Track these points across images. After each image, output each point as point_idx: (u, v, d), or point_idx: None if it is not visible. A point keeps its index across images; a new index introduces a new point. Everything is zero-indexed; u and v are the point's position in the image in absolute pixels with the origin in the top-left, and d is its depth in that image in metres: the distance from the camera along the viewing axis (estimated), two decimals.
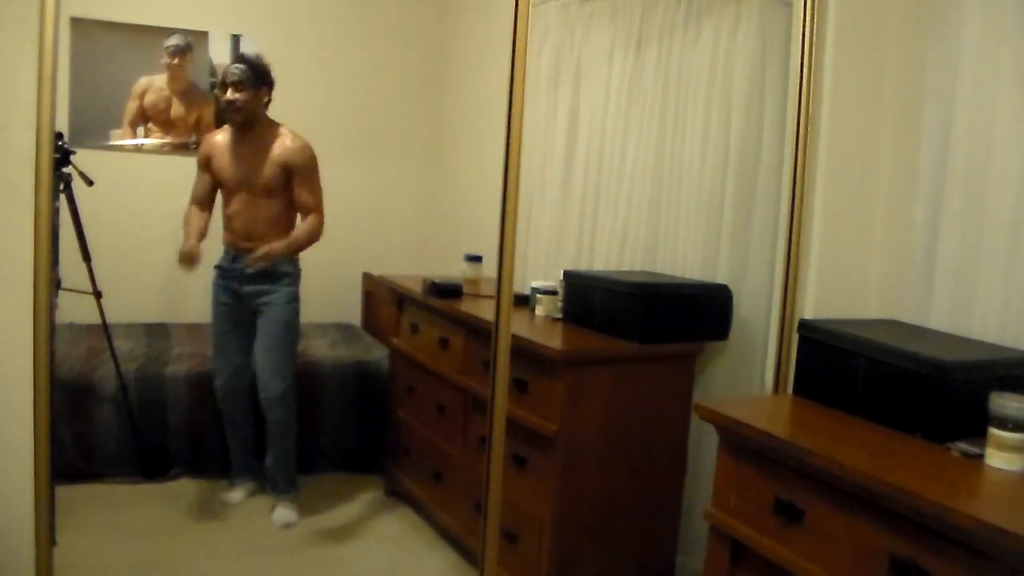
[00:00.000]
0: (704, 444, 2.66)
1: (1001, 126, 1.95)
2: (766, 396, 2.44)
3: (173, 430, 3.60)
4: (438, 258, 4.54)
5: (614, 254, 3.11)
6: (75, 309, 3.50)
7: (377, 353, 4.00)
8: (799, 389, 2.04)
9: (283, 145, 3.19)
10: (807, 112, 2.31)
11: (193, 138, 4.33)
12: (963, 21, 2.04)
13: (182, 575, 2.85)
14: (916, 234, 2.17)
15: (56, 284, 2.85)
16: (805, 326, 2.06)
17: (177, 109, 4.32)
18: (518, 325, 2.49)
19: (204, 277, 3.41)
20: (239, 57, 3.20)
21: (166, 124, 4.32)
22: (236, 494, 3.45)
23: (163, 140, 4.32)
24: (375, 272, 4.43)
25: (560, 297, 2.83)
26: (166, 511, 3.30)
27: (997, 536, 1.27)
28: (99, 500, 3.33)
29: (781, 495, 1.68)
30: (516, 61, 1.99)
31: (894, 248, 2.27)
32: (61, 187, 3.11)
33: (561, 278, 2.84)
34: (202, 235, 3.24)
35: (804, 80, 2.30)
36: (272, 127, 3.23)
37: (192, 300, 4.29)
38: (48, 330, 1.84)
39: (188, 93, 4.33)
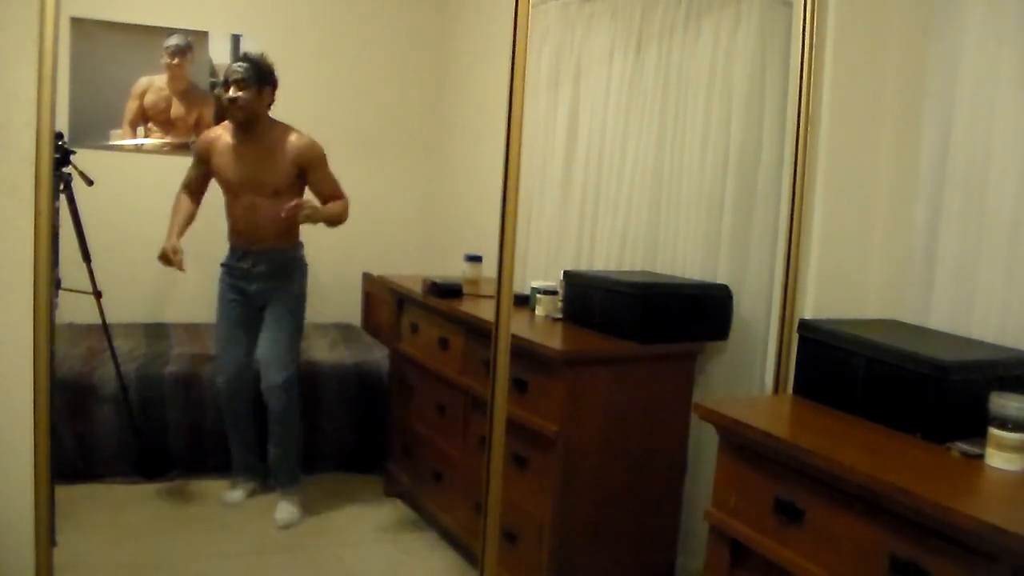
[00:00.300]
0: (704, 444, 2.65)
1: (1001, 126, 1.95)
2: (766, 396, 2.44)
3: (173, 430, 3.60)
4: (438, 258, 4.54)
5: (614, 254, 3.11)
6: (75, 309, 3.50)
7: (377, 353, 4.00)
8: (799, 389, 2.04)
9: (292, 142, 3.19)
10: (807, 112, 2.31)
11: (193, 138, 4.33)
12: (963, 21, 2.04)
13: (182, 575, 2.85)
14: (916, 234, 2.17)
15: (56, 284, 2.85)
16: (805, 326, 2.06)
17: (177, 109, 4.32)
18: (518, 325, 2.49)
19: (205, 277, 3.42)
20: (242, 56, 3.20)
21: (166, 124, 4.32)
22: (236, 494, 3.45)
23: (163, 140, 4.32)
24: (375, 272, 4.43)
25: (560, 297, 2.83)
26: (166, 511, 3.31)
27: (997, 536, 1.27)
28: (99, 500, 3.33)
29: (781, 495, 1.68)
30: (516, 61, 1.99)
31: (894, 248, 2.27)
32: (61, 187, 3.11)
33: (561, 278, 2.84)
34: (187, 224, 3.27)
35: (804, 80, 2.30)
36: (275, 127, 3.23)
37: (192, 300, 4.30)
38: (48, 330, 1.84)
39: (188, 93, 4.33)
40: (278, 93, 3.25)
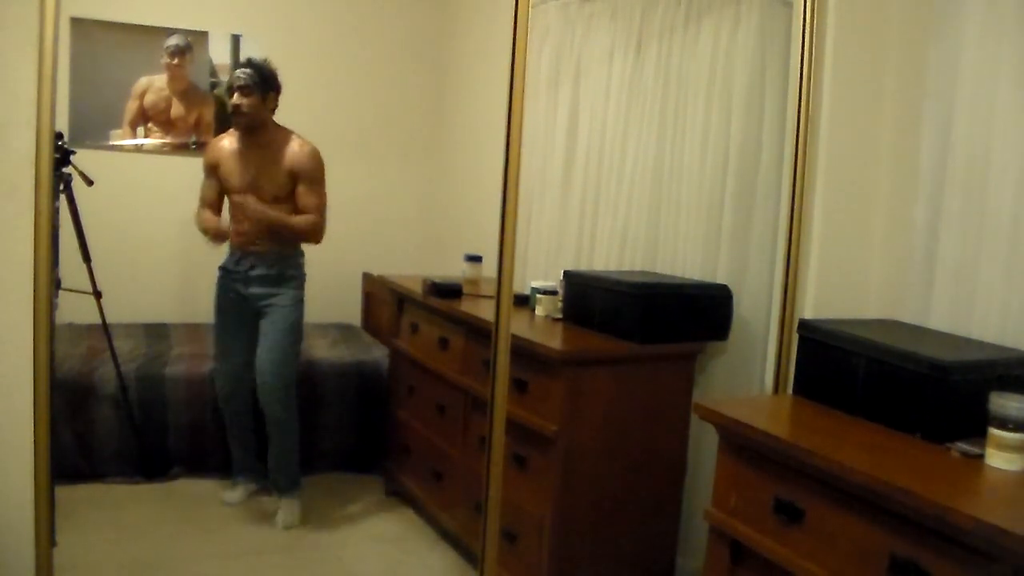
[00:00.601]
0: (704, 444, 2.65)
1: (1001, 126, 1.95)
2: (766, 396, 2.44)
3: (173, 430, 3.60)
4: (438, 258, 4.54)
5: (614, 254, 3.11)
6: (75, 309, 3.50)
7: (377, 353, 4.00)
8: (799, 389, 2.04)
9: (291, 150, 3.18)
10: (807, 112, 2.31)
11: (193, 138, 4.34)
12: (963, 21, 2.04)
13: (182, 575, 2.85)
14: (916, 234, 2.17)
15: (56, 284, 2.85)
16: (805, 326, 2.06)
17: (177, 109, 4.32)
18: (518, 325, 2.49)
19: (205, 277, 3.42)
20: (246, 61, 3.19)
21: (166, 124, 4.32)
22: (236, 494, 3.45)
23: (163, 140, 4.32)
24: (375, 272, 4.43)
25: (560, 297, 2.83)
26: (166, 511, 3.30)
27: (997, 536, 1.27)
28: (99, 500, 3.33)
29: (781, 495, 1.68)
30: (516, 61, 1.99)
31: (894, 248, 2.27)
32: (61, 187, 3.11)
33: (561, 278, 2.84)
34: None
35: (804, 80, 2.30)
36: (279, 132, 3.22)
37: (192, 300, 4.30)
38: (48, 330, 1.84)
39: (188, 93, 4.33)
40: (280, 94, 3.25)
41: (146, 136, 4.30)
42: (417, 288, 3.29)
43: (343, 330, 4.48)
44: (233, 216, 3.28)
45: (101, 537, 3.03)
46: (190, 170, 3.41)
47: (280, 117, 3.26)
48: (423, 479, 3.30)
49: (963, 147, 2.04)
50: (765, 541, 1.71)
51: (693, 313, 2.57)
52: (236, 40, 4.37)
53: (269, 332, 3.24)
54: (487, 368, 2.19)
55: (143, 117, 4.28)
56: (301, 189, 3.19)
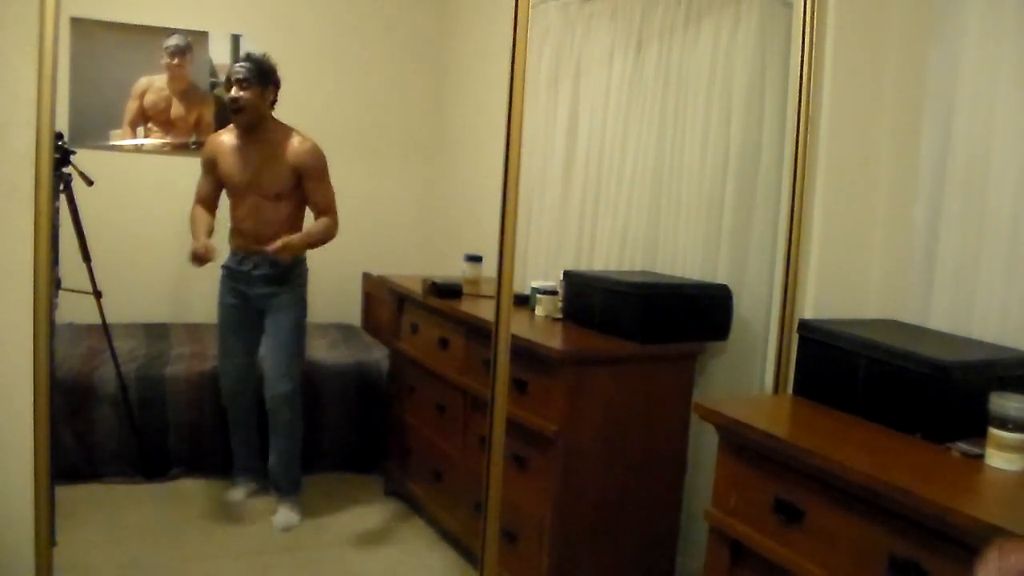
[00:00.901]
0: (704, 444, 2.65)
1: (1001, 126, 1.95)
2: (766, 396, 2.44)
3: (173, 430, 3.60)
4: (438, 258, 4.54)
5: (614, 254, 3.11)
6: (75, 309, 3.50)
7: (377, 353, 4.00)
8: (799, 389, 2.04)
9: (292, 147, 3.17)
10: (807, 112, 2.31)
11: (193, 138, 4.33)
12: (963, 21, 2.04)
13: (182, 575, 2.85)
14: (916, 234, 2.17)
15: (56, 284, 2.84)
16: (805, 326, 2.06)
17: (177, 109, 4.32)
18: (518, 325, 2.49)
19: (206, 277, 3.41)
20: (245, 56, 3.18)
21: (166, 124, 4.32)
22: (237, 493, 3.45)
23: (163, 140, 4.32)
24: (375, 272, 4.43)
25: (560, 297, 2.83)
26: (166, 511, 3.30)
27: (997, 536, 1.27)
28: (99, 500, 3.33)
29: (781, 495, 1.68)
30: (516, 61, 2.00)
31: (894, 248, 2.27)
32: (61, 187, 3.11)
33: (561, 278, 2.84)
34: (209, 234, 3.23)
35: (804, 80, 2.31)
36: (279, 128, 3.22)
37: (192, 300, 4.30)
38: (48, 330, 1.84)
39: (188, 93, 4.33)
40: (280, 93, 3.24)
41: (146, 136, 4.30)
42: (417, 288, 3.29)
43: (343, 330, 4.48)
44: (234, 215, 3.28)
45: (101, 537, 3.03)
46: (190, 170, 3.41)
47: (280, 117, 3.26)
48: (423, 479, 3.30)
49: (963, 147, 2.04)
50: (765, 541, 1.71)
51: (693, 313, 2.57)
52: (236, 40, 4.37)
53: (274, 332, 3.23)
54: (487, 368, 2.19)
55: (143, 117, 4.28)
56: (310, 187, 3.19)
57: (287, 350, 3.22)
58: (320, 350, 3.98)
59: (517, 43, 2.00)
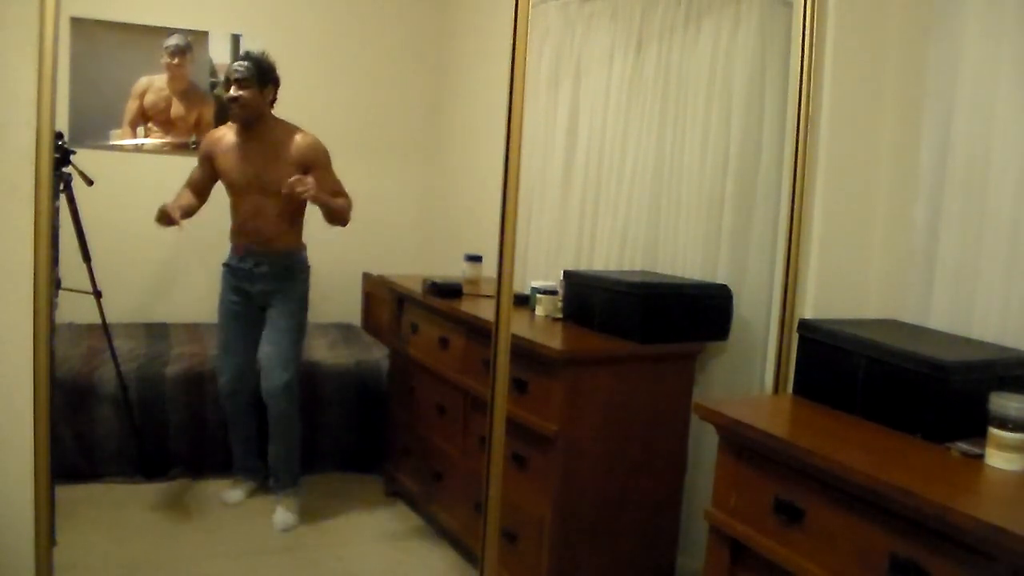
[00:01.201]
0: (704, 444, 2.66)
1: (1001, 126, 1.95)
2: (766, 396, 2.44)
3: (173, 430, 3.60)
4: (438, 258, 4.54)
5: (614, 254, 3.11)
6: (75, 309, 3.50)
7: (377, 353, 4.00)
8: (799, 389, 2.03)
9: (295, 143, 3.18)
10: (807, 112, 2.31)
11: (193, 138, 4.33)
12: (963, 21, 2.04)
13: (182, 575, 2.85)
14: (916, 234, 2.17)
15: (56, 284, 2.84)
16: (805, 326, 2.06)
17: (177, 109, 4.32)
18: (518, 325, 2.49)
19: (205, 277, 3.42)
20: (244, 54, 3.19)
21: (166, 124, 4.32)
22: (236, 493, 3.45)
23: (163, 140, 4.32)
24: (375, 272, 4.43)
25: (560, 297, 2.83)
26: (166, 511, 3.31)
27: (997, 536, 1.27)
28: (99, 500, 3.33)
29: (781, 495, 1.68)
30: (516, 61, 2.00)
31: (894, 248, 2.27)
32: (61, 187, 3.11)
33: (561, 278, 2.84)
34: (186, 213, 3.21)
35: (804, 80, 2.31)
36: (279, 125, 3.22)
37: (192, 300, 4.30)
38: (48, 330, 1.84)
39: (188, 93, 4.33)
40: (280, 93, 3.24)
41: (146, 136, 4.30)
42: (417, 288, 3.29)
43: (343, 330, 4.48)
44: (235, 213, 3.28)
45: (101, 537, 3.03)
46: (190, 170, 3.41)
47: (281, 117, 3.26)
48: (423, 479, 3.30)
49: (963, 147, 2.04)
50: (765, 541, 1.71)
51: (693, 313, 2.57)
52: (236, 40, 4.37)
53: (273, 328, 3.24)
54: (487, 368, 2.19)
55: (143, 117, 4.28)
56: (319, 176, 3.17)
57: (284, 345, 3.23)
58: (320, 350, 3.98)
59: (517, 43, 2.00)
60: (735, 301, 2.64)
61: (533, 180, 3.53)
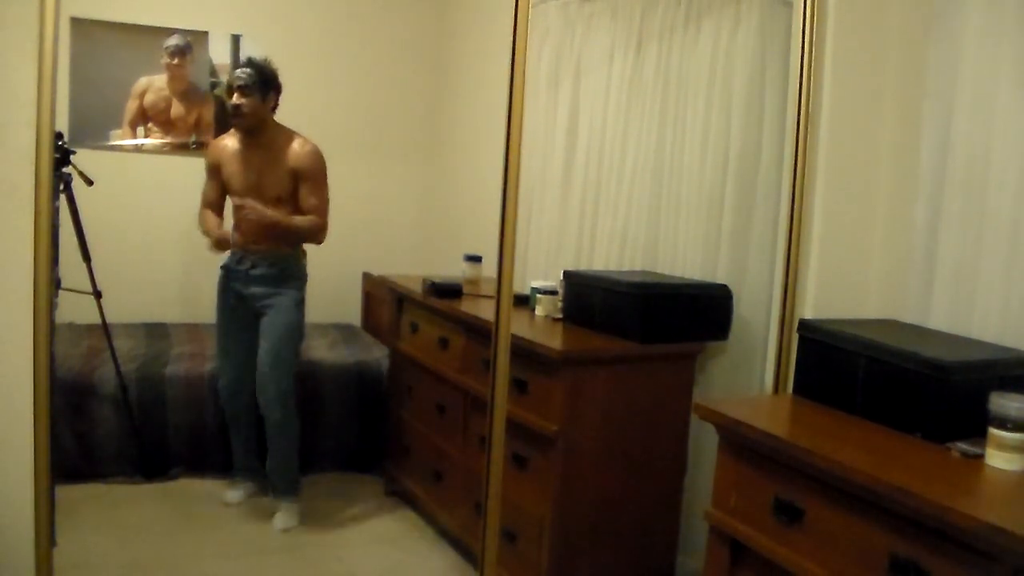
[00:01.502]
0: (704, 444, 2.65)
1: (1001, 126, 1.95)
2: (766, 396, 2.44)
3: (173, 430, 3.60)
4: (438, 258, 4.54)
5: (614, 254, 3.11)
6: (75, 309, 3.50)
7: (377, 353, 4.00)
8: (799, 389, 2.03)
9: (293, 150, 3.17)
10: (807, 112, 2.31)
11: (193, 138, 4.34)
12: (963, 21, 2.04)
13: (182, 575, 2.85)
14: (916, 234, 2.17)
15: (56, 284, 2.85)
16: (805, 326, 2.06)
17: (177, 109, 4.32)
18: (518, 325, 2.49)
19: (205, 277, 3.42)
20: (247, 61, 3.18)
21: (166, 124, 4.32)
22: (236, 493, 3.45)
23: (163, 140, 4.32)
24: (375, 272, 4.43)
25: (560, 297, 2.83)
26: (166, 511, 3.30)
27: (997, 536, 1.27)
28: (99, 500, 3.33)
29: (781, 495, 1.68)
30: (516, 61, 1.99)
31: (894, 248, 2.27)
32: (61, 187, 3.11)
33: (561, 278, 2.84)
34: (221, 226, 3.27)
35: (804, 80, 2.31)
36: (280, 132, 3.21)
37: (192, 300, 4.30)
38: (48, 330, 1.84)
39: (188, 93, 4.33)
40: (280, 95, 3.24)
41: (146, 136, 4.29)
42: (417, 288, 3.29)
43: (343, 330, 4.49)
44: (234, 216, 3.27)
45: (101, 537, 3.03)
46: (190, 170, 3.42)
47: (280, 117, 3.26)
48: (423, 479, 3.30)
49: (963, 147, 2.04)
50: (765, 541, 1.71)
51: (693, 313, 2.57)
52: (236, 40, 4.37)
53: (268, 333, 3.23)
54: (487, 368, 2.19)
55: (143, 117, 4.28)
56: (303, 190, 3.18)
57: (278, 352, 3.21)
58: (320, 350, 3.98)
59: (517, 43, 2.00)
60: (735, 301, 2.64)
61: (533, 180, 3.53)
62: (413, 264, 4.56)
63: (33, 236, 1.81)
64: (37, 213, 1.80)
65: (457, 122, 4.59)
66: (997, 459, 1.54)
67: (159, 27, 4.24)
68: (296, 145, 3.18)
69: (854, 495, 1.53)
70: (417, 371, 3.37)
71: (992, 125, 1.97)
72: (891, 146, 2.29)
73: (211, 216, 3.29)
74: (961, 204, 2.04)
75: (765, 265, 2.63)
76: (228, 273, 3.32)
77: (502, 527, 2.29)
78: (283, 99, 3.25)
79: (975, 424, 1.62)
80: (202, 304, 3.85)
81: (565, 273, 2.84)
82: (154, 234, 4.27)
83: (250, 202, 3.11)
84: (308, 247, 3.36)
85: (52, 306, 1.99)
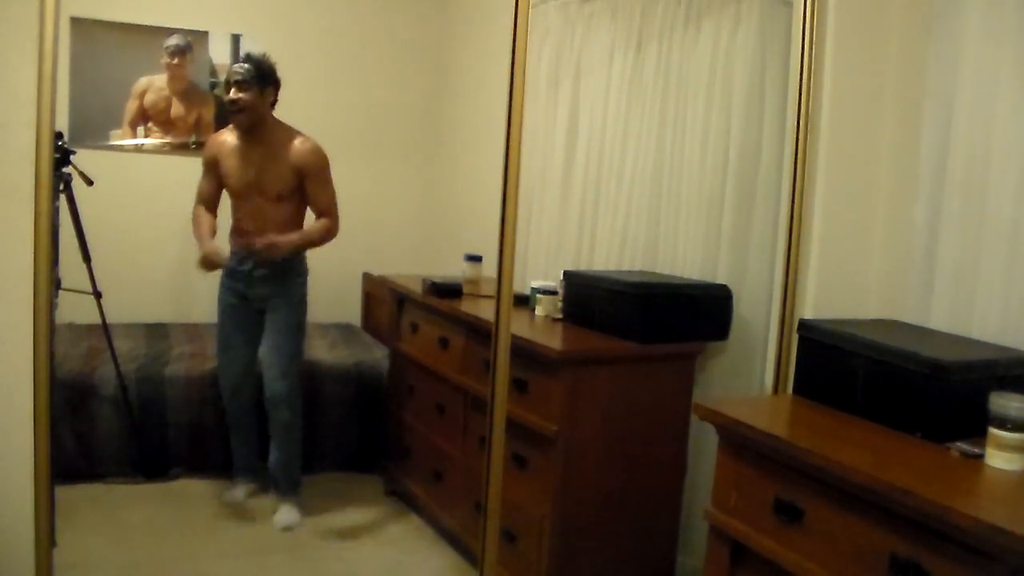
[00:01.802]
0: (704, 444, 2.66)
1: (1001, 126, 1.95)
2: (766, 396, 2.44)
3: (173, 430, 3.60)
4: (438, 258, 4.54)
5: (614, 254, 3.11)
6: (75, 309, 3.50)
7: (377, 353, 4.00)
8: (799, 389, 2.03)
9: (294, 147, 3.16)
10: (807, 112, 2.31)
11: (193, 138, 4.34)
12: (963, 21, 2.04)
13: (182, 575, 2.85)
14: (916, 234, 2.17)
15: (56, 284, 2.85)
16: (805, 326, 2.06)
17: (177, 109, 4.32)
18: (518, 325, 2.49)
19: (206, 277, 3.41)
20: (244, 56, 3.17)
21: (166, 124, 4.32)
22: (237, 493, 3.45)
23: (163, 140, 4.32)
24: (375, 272, 4.43)
25: (560, 297, 2.83)
26: (166, 511, 3.30)
27: (997, 536, 1.27)
28: (99, 500, 3.33)
29: (781, 495, 1.68)
30: (516, 61, 2.00)
31: (894, 248, 2.27)
32: (61, 187, 3.11)
33: (561, 278, 2.84)
34: (212, 235, 3.22)
35: (804, 80, 2.31)
36: (280, 128, 3.20)
37: (192, 300, 4.30)
38: (48, 330, 1.84)
39: (188, 93, 4.33)
40: (280, 93, 3.23)
41: (146, 136, 4.30)
42: (417, 288, 3.29)
43: (343, 330, 4.49)
44: (235, 216, 3.27)
45: (101, 537, 3.03)
46: (190, 170, 3.41)
47: (280, 117, 3.25)
48: (423, 479, 3.30)
49: (963, 147, 2.04)
50: (765, 541, 1.71)
51: (693, 313, 2.57)
52: (236, 40, 4.37)
53: (272, 332, 3.23)
54: (487, 368, 2.19)
55: (143, 117, 4.28)
56: (311, 188, 3.17)
57: (284, 350, 3.22)
58: (320, 350, 3.98)
59: (517, 43, 2.00)
60: (735, 301, 2.64)
61: (533, 180, 3.53)
62: (413, 264, 4.56)
63: (33, 236, 1.81)
64: (37, 213, 1.80)
65: (457, 122, 4.59)
66: (997, 459, 1.54)
67: (159, 27, 4.24)
68: (297, 142, 3.17)
69: (854, 495, 1.53)
70: (417, 371, 3.37)
71: (992, 125, 1.97)
72: (891, 146, 2.29)
73: (205, 218, 3.25)
74: (961, 204, 2.04)
75: (765, 265, 2.63)
76: (230, 273, 3.31)
77: (502, 527, 2.29)
78: (284, 99, 3.24)
79: (975, 424, 1.62)
80: (202, 304, 3.86)
81: (565, 273, 2.84)
82: (154, 234, 4.27)
83: (264, 240, 3.08)
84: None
85: (52, 306, 1.99)
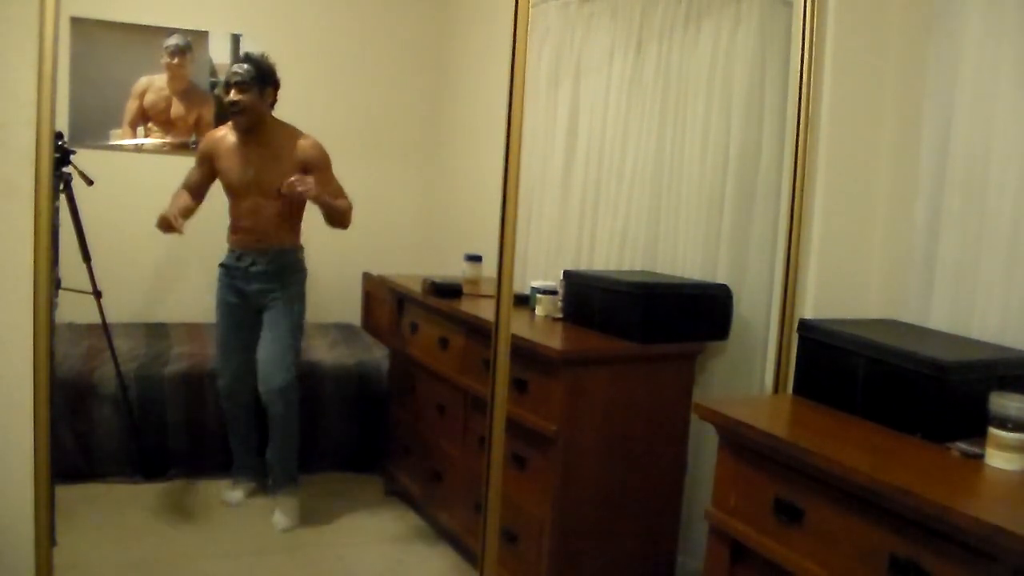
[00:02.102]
0: (704, 444, 2.66)
1: (1001, 126, 1.95)
2: (766, 396, 2.44)
3: (173, 430, 3.60)
4: (438, 258, 4.54)
5: (614, 254, 3.11)
6: (75, 309, 3.50)
7: (377, 353, 4.00)
8: (799, 389, 2.04)
9: (297, 145, 3.17)
10: (807, 112, 2.31)
11: (193, 138, 4.33)
12: (963, 21, 2.04)
13: (182, 575, 2.85)
14: (916, 234, 2.17)
15: (56, 284, 2.85)
16: (805, 326, 2.06)
17: (177, 109, 4.32)
18: (518, 325, 2.49)
19: (205, 277, 3.42)
20: (244, 56, 3.18)
21: (166, 124, 4.32)
22: (236, 493, 3.45)
23: (163, 140, 4.32)
24: (375, 272, 4.43)
25: (560, 297, 2.83)
26: (166, 511, 3.31)
27: (997, 536, 1.27)
28: (99, 500, 3.33)
29: (781, 495, 1.68)
30: (516, 61, 2.00)
31: (894, 248, 2.27)
32: (61, 187, 3.11)
33: (561, 278, 2.84)
34: (186, 211, 3.19)
35: (804, 80, 2.30)
36: (279, 127, 3.21)
37: (192, 300, 4.30)
38: (48, 330, 1.84)
39: (188, 93, 4.33)
40: (280, 93, 3.24)
41: (146, 136, 4.30)
42: (417, 288, 3.29)
43: (343, 330, 4.48)
44: (233, 214, 3.27)
45: (101, 537, 3.03)
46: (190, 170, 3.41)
47: (280, 117, 3.26)
48: (423, 479, 3.30)
49: (963, 147, 2.04)
50: (765, 541, 1.71)
51: (693, 313, 2.57)
52: (236, 40, 4.37)
53: (270, 329, 3.24)
54: (487, 368, 2.19)
55: (143, 117, 4.28)
56: (320, 179, 3.16)
57: (282, 344, 3.22)
58: (320, 350, 3.98)
59: (517, 43, 2.00)
60: (735, 301, 2.64)
61: (533, 180, 3.53)
62: (413, 264, 4.56)
63: (33, 236, 1.81)
64: (37, 213, 1.80)
65: (457, 122, 4.59)
66: (997, 459, 1.54)
67: (159, 27, 4.24)
68: (298, 139, 3.19)
69: (854, 495, 1.53)
70: (417, 371, 3.37)
71: (992, 125, 1.97)
72: (891, 146, 2.29)
73: (182, 196, 3.24)
74: (961, 204, 2.04)
75: (765, 265, 2.63)
76: (228, 271, 3.32)
77: (502, 527, 2.29)
78: (284, 99, 3.25)
79: (975, 424, 1.62)
80: (202, 304, 3.85)
81: (565, 273, 2.84)
82: (154, 234, 4.23)
83: (308, 179, 3.07)
84: (308, 245, 3.36)
85: (52, 306, 1.99)
